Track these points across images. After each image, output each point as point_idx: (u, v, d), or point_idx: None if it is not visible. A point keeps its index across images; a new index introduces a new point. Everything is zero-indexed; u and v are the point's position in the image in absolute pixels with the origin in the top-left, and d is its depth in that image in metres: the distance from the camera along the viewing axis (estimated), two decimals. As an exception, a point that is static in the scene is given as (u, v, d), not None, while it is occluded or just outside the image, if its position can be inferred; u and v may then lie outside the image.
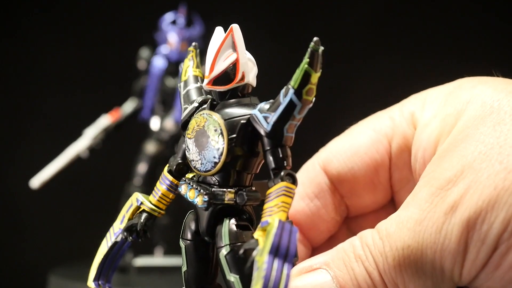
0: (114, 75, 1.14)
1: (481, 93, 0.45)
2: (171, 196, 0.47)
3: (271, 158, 0.42)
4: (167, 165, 0.46)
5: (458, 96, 0.46)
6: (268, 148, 0.42)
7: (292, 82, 0.41)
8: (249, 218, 0.45)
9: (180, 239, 0.46)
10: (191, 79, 0.47)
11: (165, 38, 0.82)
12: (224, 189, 0.44)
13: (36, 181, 0.82)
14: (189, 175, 0.46)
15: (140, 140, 0.84)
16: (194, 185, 0.45)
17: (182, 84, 0.47)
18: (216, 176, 0.44)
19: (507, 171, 0.41)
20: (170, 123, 0.83)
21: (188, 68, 0.47)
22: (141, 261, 0.79)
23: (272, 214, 0.41)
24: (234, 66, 0.43)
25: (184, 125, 0.45)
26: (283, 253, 0.40)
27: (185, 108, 0.46)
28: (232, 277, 0.44)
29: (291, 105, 0.41)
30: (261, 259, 0.40)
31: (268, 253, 0.40)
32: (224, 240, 0.44)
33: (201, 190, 0.44)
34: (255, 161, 0.44)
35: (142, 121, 0.83)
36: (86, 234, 1.25)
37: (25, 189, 1.22)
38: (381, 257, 0.42)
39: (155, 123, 0.83)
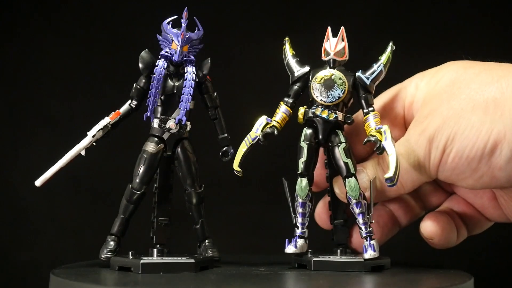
0: (118, 78, 1.14)
1: (450, 71, 0.81)
2: (287, 118, 0.82)
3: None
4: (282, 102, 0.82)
5: (439, 71, 0.83)
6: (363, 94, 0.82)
7: (383, 61, 0.81)
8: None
9: (302, 142, 0.81)
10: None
11: (167, 40, 0.82)
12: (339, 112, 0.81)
13: (38, 180, 0.83)
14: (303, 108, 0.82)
15: (140, 140, 0.84)
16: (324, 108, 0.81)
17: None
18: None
19: (448, 109, 0.78)
20: (170, 123, 0.83)
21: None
22: (141, 261, 0.79)
23: (381, 125, 0.79)
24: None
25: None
26: None
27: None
28: (347, 160, 0.80)
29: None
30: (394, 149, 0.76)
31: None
32: (342, 139, 0.81)
33: (330, 111, 0.81)
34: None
35: (143, 121, 0.84)
36: (87, 234, 1.25)
37: (27, 191, 1.22)
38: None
39: (156, 123, 0.83)
